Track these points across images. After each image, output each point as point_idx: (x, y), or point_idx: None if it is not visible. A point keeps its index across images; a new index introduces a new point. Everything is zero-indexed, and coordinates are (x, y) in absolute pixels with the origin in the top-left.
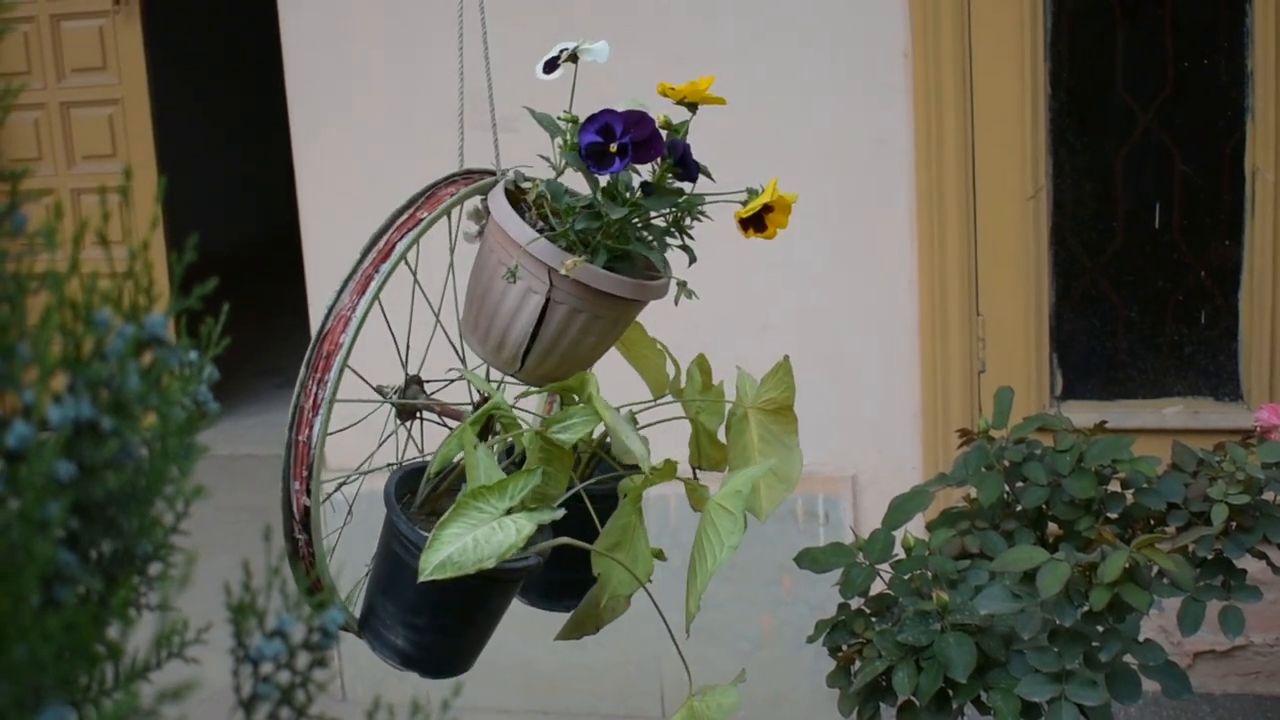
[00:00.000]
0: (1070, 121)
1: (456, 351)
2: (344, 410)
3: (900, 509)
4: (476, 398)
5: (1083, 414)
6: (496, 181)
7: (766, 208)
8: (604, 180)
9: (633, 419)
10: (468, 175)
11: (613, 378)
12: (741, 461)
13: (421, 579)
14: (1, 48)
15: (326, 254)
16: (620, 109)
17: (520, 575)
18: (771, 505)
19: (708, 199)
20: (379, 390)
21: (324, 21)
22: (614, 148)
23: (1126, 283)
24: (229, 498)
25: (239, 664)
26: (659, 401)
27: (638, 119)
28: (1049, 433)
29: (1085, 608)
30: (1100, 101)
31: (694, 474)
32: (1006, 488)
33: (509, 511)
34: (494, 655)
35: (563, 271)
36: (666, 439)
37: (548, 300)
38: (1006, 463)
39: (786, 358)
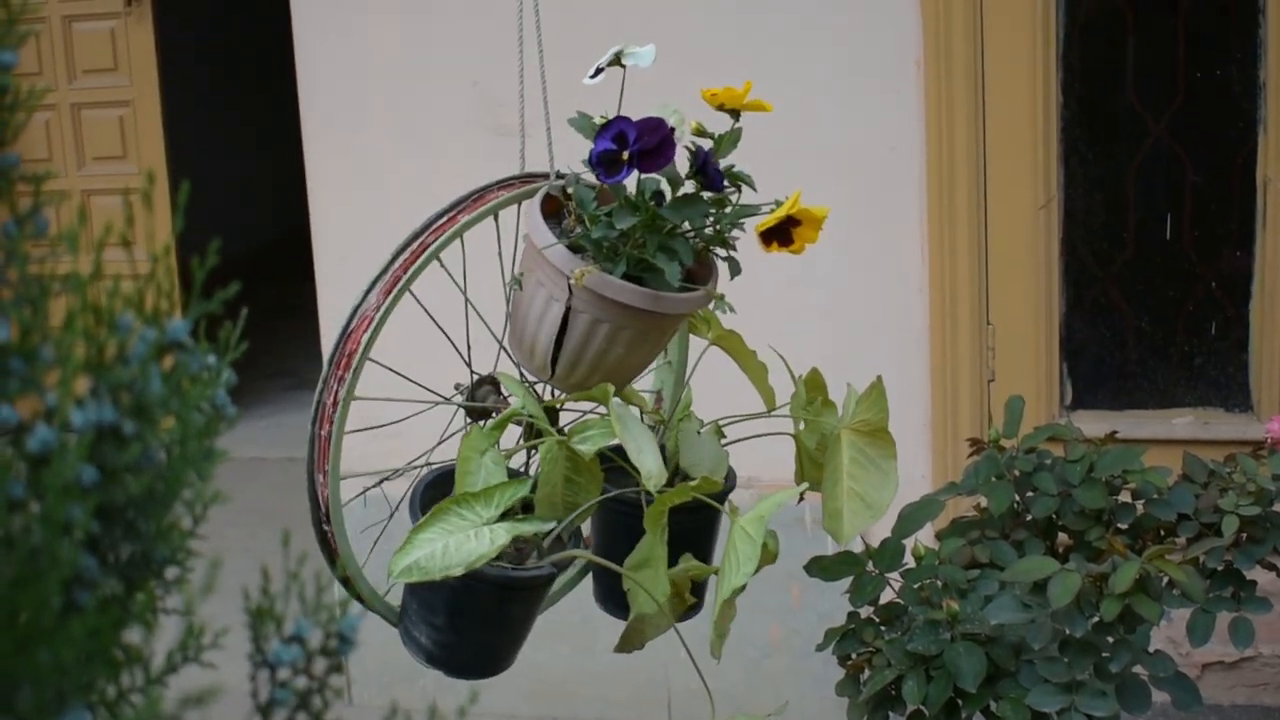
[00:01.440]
0: (1082, 131)
1: (510, 356)
2: (404, 409)
3: (910, 518)
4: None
5: (1093, 424)
6: (543, 187)
7: (792, 221)
8: (630, 188)
9: (718, 431)
10: (527, 178)
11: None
12: (831, 483)
13: (390, 580)
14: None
15: (337, 256)
16: (651, 115)
17: (534, 584)
18: (853, 530)
19: (736, 211)
20: (456, 388)
21: (336, 23)
22: (626, 155)
23: (1137, 293)
24: (240, 499)
25: (256, 669)
26: (753, 415)
27: (652, 126)
28: (1059, 442)
29: (1095, 618)
30: (1112, 111)
31: (800, 495)
32: (1017, 497)
33: (501, 518)
34: None
35: (570, 281)
36: (780, 451)
37: (568, 309)
38: (1017, 472)
39: (879, 378)
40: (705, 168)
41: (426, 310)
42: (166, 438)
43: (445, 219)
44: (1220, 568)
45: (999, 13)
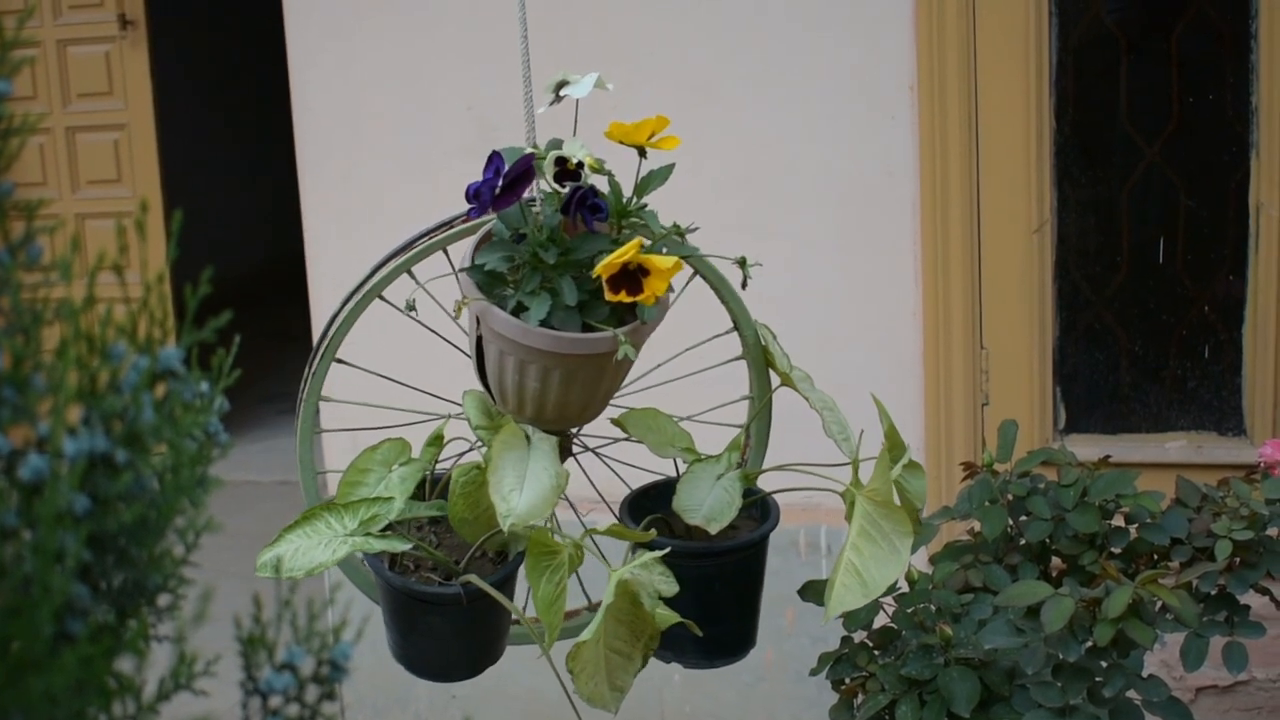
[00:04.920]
0: (1075, 155)
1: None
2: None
3: None
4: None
5: (1086, 448)
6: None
7: (643, 270)
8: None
9: (745, 479)
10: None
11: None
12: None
13: (255, 573)
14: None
15: (331, 280)
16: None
17: (439, 600)
18: (838, 608)
19: (663, 249)
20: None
21: (330, 47)
22: (497, 189)
23: (1130, 317)
24: (233, 524)
25: (248, 696)
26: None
27: (521, 161)
28: (1053, 467)
29: (1089, 643)
30: (1105, 136)
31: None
32: (1010, 522)
33: (372, 532)
34: (500, 684)
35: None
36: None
37: (479, 337)
38: (1010, 496)
39: (911, 460)
40: (568, 207)
41: (425, 325)
42: (159, 465)
43: (425, 237)
44: (1214, 592)
45: (992, 38)
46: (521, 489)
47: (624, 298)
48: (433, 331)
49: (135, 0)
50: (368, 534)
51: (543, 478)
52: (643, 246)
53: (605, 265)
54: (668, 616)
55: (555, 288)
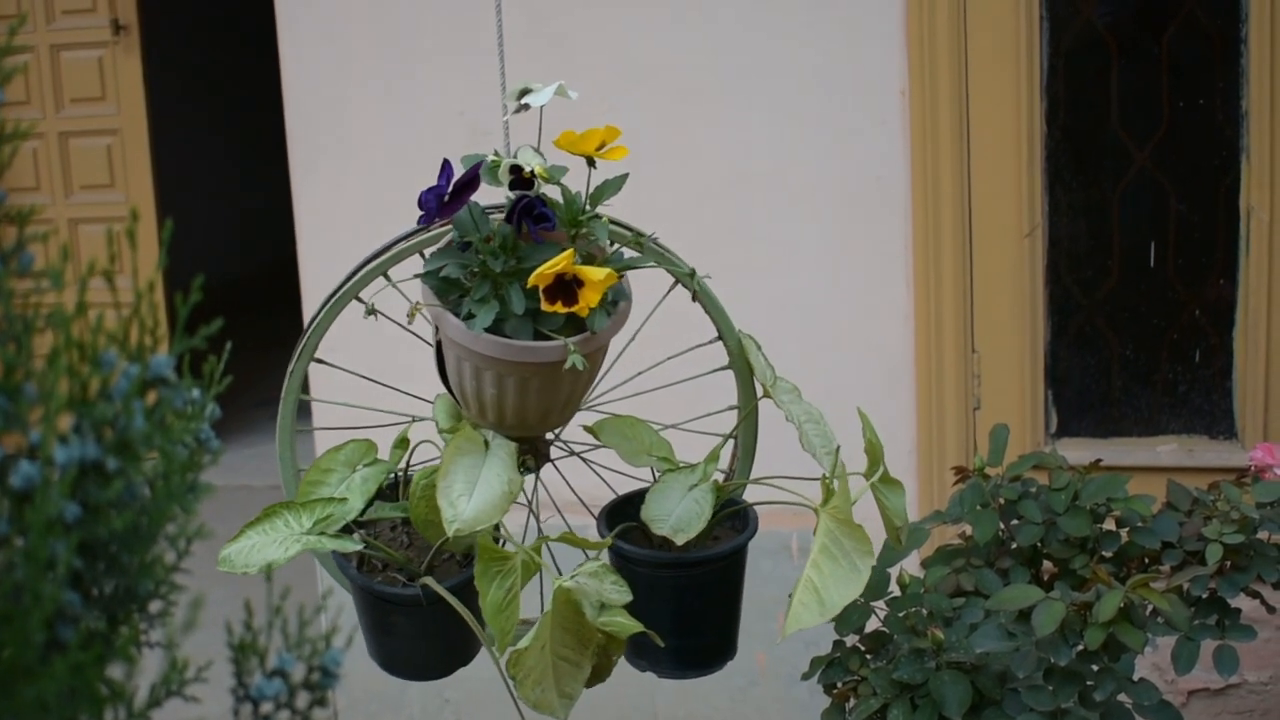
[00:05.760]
0: (1066, 160)
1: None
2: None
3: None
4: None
5: (1077, 451)
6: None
7: (577, 281)
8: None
9: (716, 490)
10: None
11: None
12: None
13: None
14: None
15: (324, 285)
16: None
17: (400, 601)
18: (794, 626)
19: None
20: None
21: (323, 53)
22: (446, 197)
23: (1121, 320)
24: (224, 529)
25: (239, 703)
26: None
27: (469, 170)
28: (1044, 470)
29: (1080, 646)
30: (1096, 140)
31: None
32: (1001, 525)
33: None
34: (493, 687)
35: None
36: None
37: (439, 341)
38: (1002, 500)
39: (889, 476)
40: (511, 216)
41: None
42: (150, 472)
43: (403, 240)
44: (1205, 595)
45: (983, 42)
46: (471, 495)
47: (560, 308)
48: (415, 335)
49: (128, 5)
50: (322, 533)
51: (494, 484)
52: (604, 255)
53: (538, 275)
54: (628, 625)
55: (504, 296)
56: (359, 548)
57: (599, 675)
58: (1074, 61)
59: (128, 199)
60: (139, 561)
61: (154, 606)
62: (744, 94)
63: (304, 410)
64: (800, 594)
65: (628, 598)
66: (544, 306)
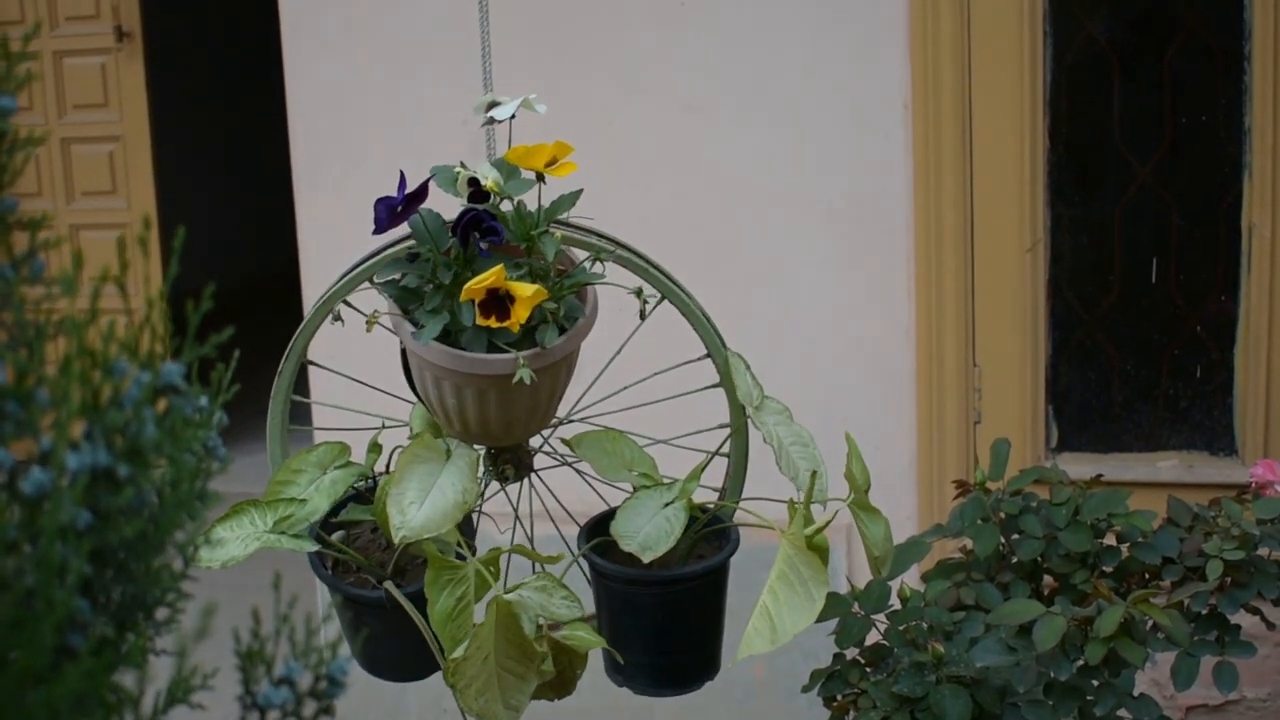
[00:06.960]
0: (1068, 175)
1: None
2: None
3: (896, 559)
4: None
5: (1078, 466)
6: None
7: (509, 296)
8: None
9: (690, 508)
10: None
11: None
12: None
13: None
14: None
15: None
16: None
17: (365, 603)
18: (745, 652)
19: (572, 280)
20: None
21: (325, 60)
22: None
23: (1123, 336)
24: None
25: (246, 711)
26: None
27: (420, 184)
28: (1045, 485)
29: (1080, 661)
30: (1098, 155)
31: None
32: (1002, 540)
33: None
34: None
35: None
36: None
37: (404, 348)
38: (1002, 515)
39: (869, 505)
40: (455, 228)
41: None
42: (159, 480)
43: (390, 246)
44: (1205, 611)
45: (987, 57)
46: (422, 503)
47: (493, 323)
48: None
49: (131, 12)
50: (281, 533)
51: (448, 493)
52: (574, 268)
53: (468, 289)
54: (588, 640)
55: (454, 308)
56: (315, 548)
57: (563, 688)
58: (1077, 76)
59: (129, 206)
60: (147, 569)
61: (161, 614)
62: (746, 107)
63: (304, 412)
64: (755, 619)
65: (578, 613)
66: (478, 321)
